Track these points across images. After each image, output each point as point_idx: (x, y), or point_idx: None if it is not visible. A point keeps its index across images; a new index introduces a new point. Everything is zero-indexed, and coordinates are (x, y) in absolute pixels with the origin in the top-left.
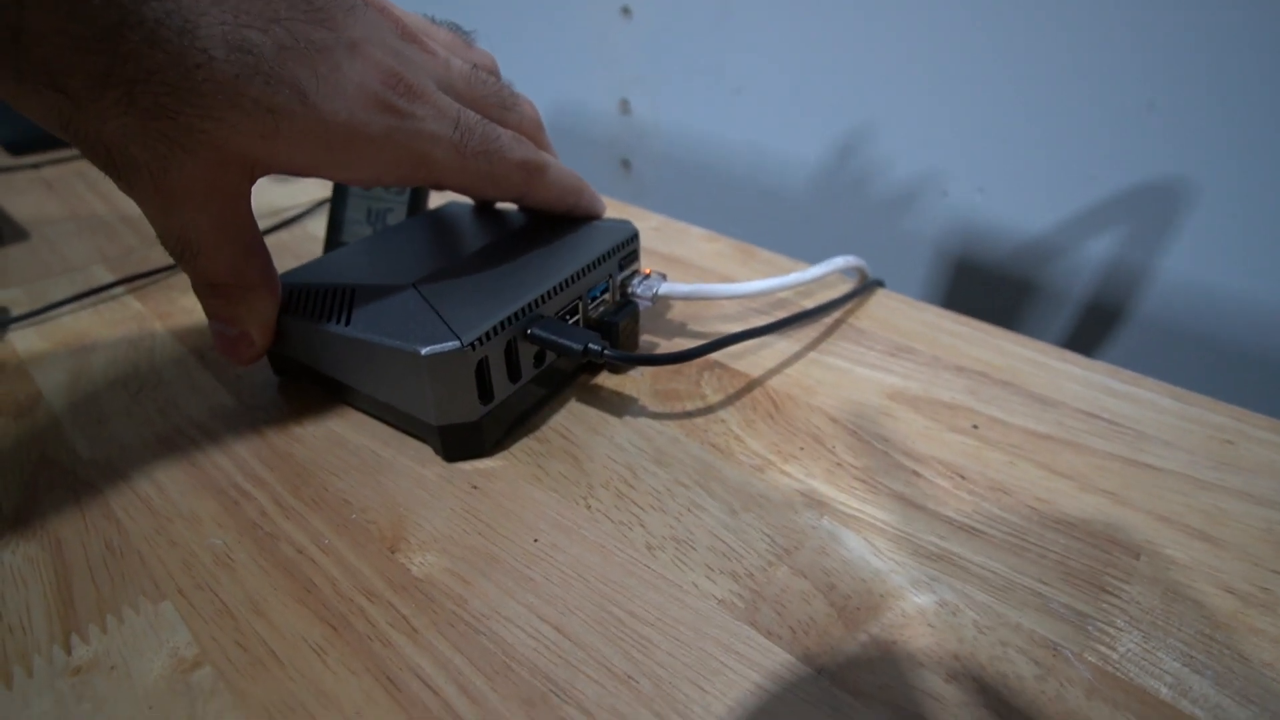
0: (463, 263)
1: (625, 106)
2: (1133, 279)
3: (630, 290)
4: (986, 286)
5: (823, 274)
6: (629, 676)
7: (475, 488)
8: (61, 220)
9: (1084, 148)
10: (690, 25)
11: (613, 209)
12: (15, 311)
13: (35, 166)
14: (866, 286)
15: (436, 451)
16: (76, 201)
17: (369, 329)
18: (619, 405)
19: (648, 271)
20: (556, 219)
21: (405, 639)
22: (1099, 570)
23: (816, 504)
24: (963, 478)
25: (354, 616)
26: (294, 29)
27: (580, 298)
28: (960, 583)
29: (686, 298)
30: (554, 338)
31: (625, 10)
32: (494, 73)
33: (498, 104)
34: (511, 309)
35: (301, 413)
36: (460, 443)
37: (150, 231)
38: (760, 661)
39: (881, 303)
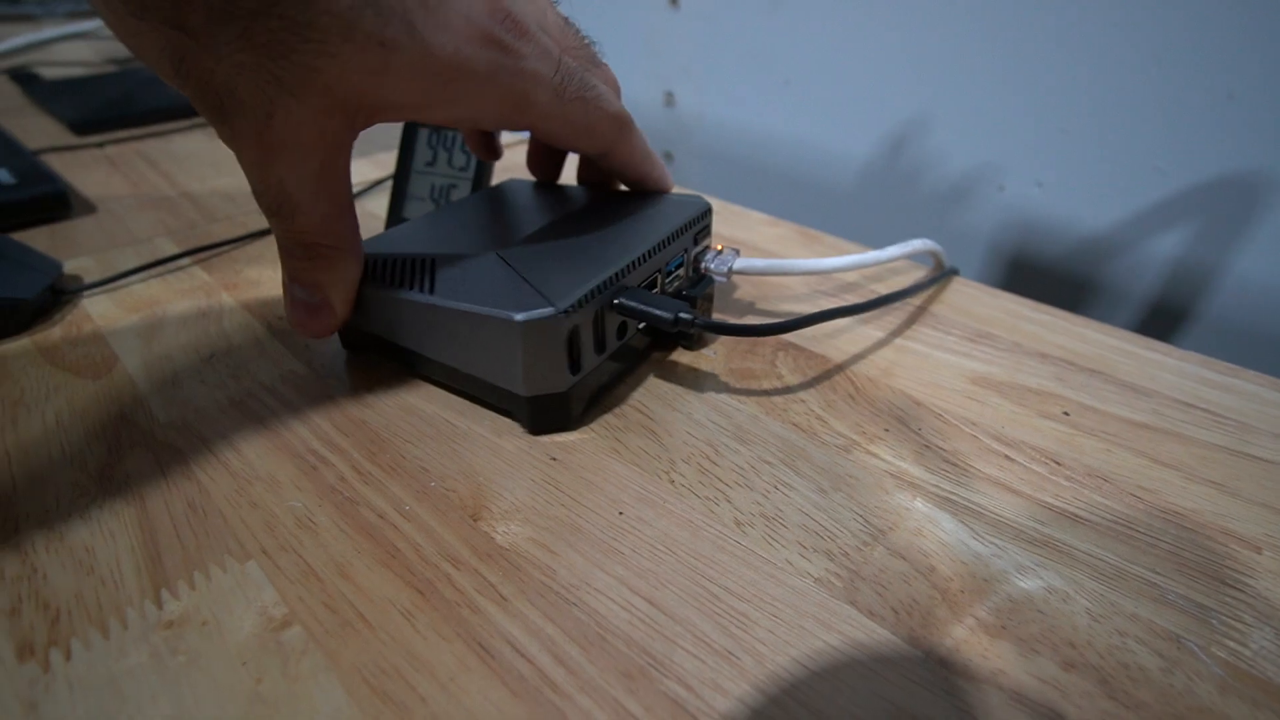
0: (539, 233)
1: (670, 99)
2: (1202, 278)
3: (704, 265)
4: (1044, 283)
5: (901, 255)
6: (729, 652)
7: (554, 459)
8: (125, 196)
9: (1153, 140)
10: (739, 16)
11: None
12: (87, 279)
13: (99, 145)
14: (944, 274)
15: (522, 424)
16: (138, 178)
17: (456, 296)
18: (695, 382)
19: (719, 247)
20: (624, 194)
21: (495, 607)
22: (1216, 563)
23: (909, 485)
24: (1058, 464)
25: (440, 583)
26: None
27: (659, 270)
28: (1068, 569)
29: (763, 273)
30: (644, 307)
31: (673, 1)
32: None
33: (588, 58)
34: (600, 278)
35: (373, 382)
36: (547, 414)
37: (213, 206)
38: (864, 641)
39: (958, 290)
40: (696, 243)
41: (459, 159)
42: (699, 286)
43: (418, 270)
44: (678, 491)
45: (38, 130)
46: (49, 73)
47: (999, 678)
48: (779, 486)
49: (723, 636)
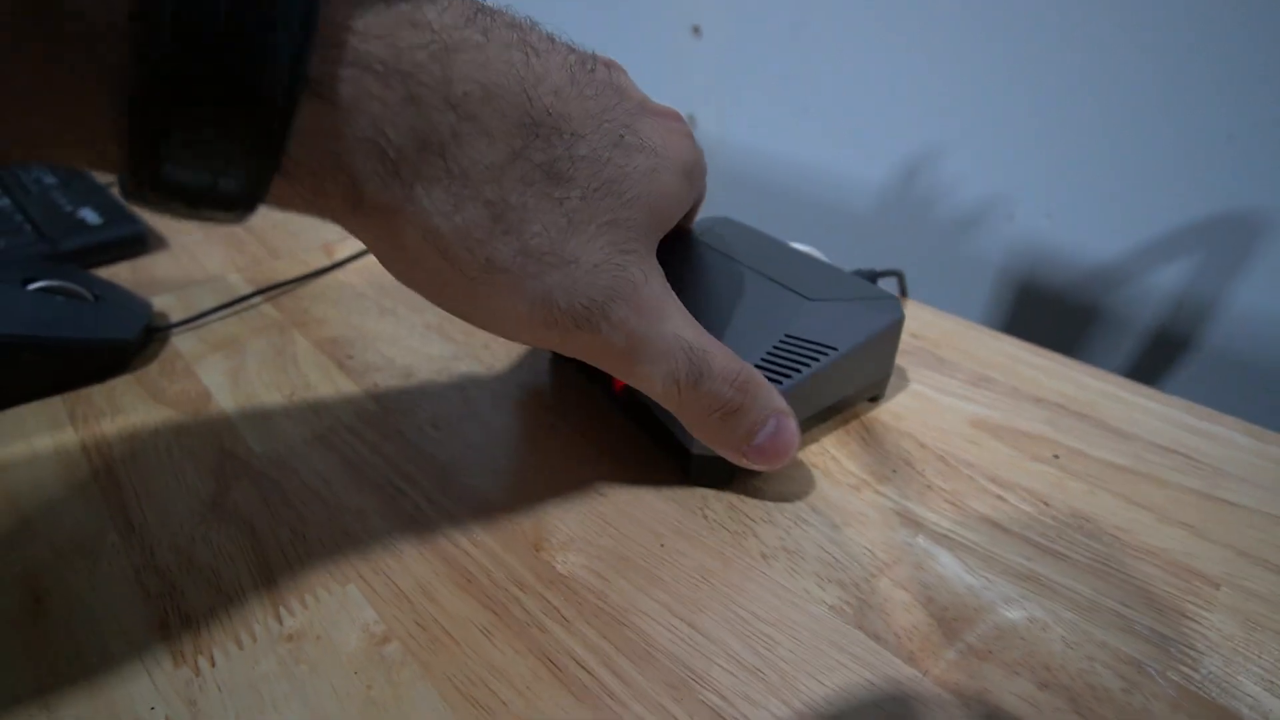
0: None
1: (692, 122)
2: (1203, 309)
3: None
4: (1050, 311)
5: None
6: (757, 669)
7: (602, 495)
8: (192, 230)
9: (1157, 177)
10: (760, 45)
11: None
12: (174, 318)
13: None
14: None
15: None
16: None
17: None
18: None
19: None
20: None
21: (559, 626)
22: (1179, 597)
23: (912, 523)
24: (1046, 504)
25: (511, 605)
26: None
27: None
28: (1048, 601)
29: None
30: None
31: (695, 29)
32: None
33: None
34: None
35: (436, 419)
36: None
37: (275, 241)
38: (871, 661)
39: (962, 333)
40: None
41: None
42: None
43: None
44: (710, 526)
45: None
46: None
47: (984, 695)
48: (798, 522)
49: (751, 655)
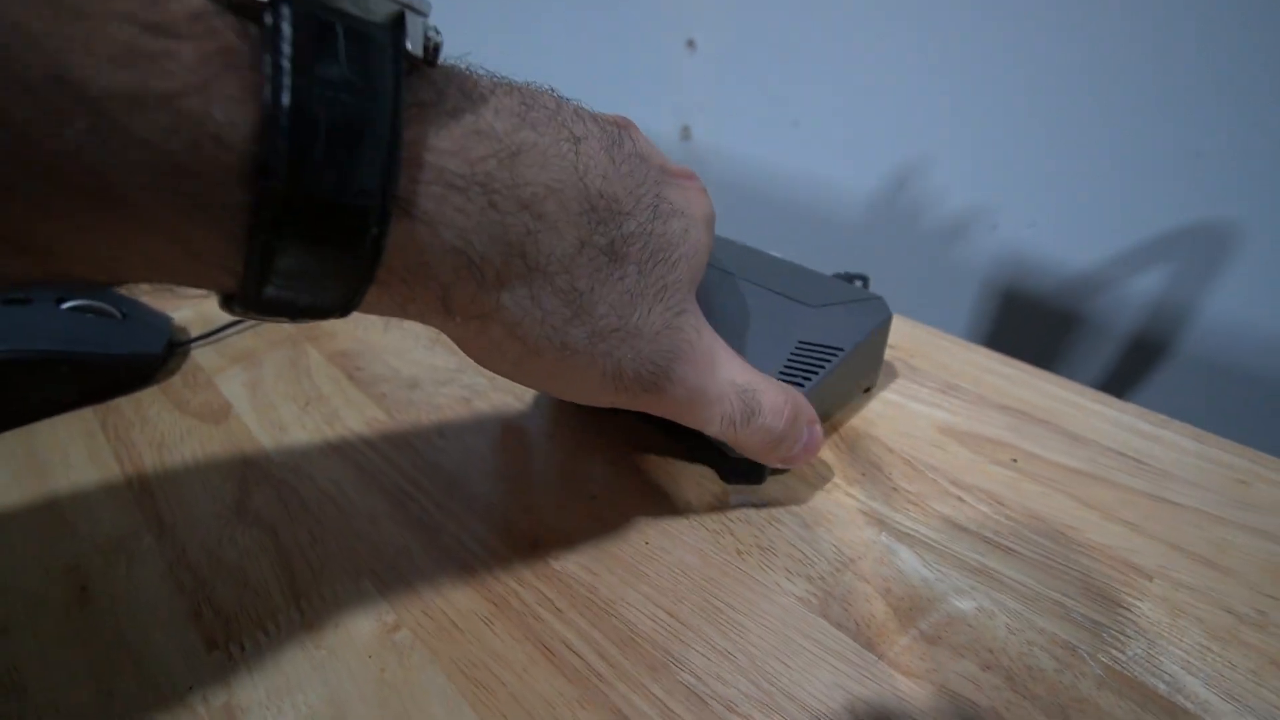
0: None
1: (686, 133)
2: (1177, 316)
3: None
4: (1032, 318)
5: None
6: (729, 653)
7: (593, 497)
8: None
9: (1134, 189)
10: (752, 59)
11: None
12: (193, 332)
13: None
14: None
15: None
16: None
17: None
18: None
19: None
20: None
21: (553, 616)
22: (1115, 588)
23: (877, 522)
24: (1002, 504)
25: (510, 597)
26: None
27: None
28: (996, 592)
29: None
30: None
31: (690, 43)
32: None
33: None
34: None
35: (441, 427)
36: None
37: None
38: (832, 646)
39: (934, 343)
40: None
41: None
42: None
43: None
44: (690, 525)
45: None
46: None
47: (931, 675)
48: (772, 521)
49: (724, 640)
